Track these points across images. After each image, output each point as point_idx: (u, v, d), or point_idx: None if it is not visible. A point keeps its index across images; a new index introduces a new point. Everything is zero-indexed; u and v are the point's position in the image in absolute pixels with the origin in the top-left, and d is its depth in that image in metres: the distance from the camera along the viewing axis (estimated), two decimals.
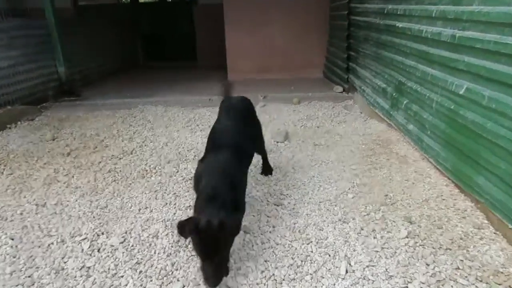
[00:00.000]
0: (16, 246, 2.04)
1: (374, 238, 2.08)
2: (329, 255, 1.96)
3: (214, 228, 1.54)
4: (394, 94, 3.61)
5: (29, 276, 1.82)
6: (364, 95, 4.59)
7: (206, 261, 1.59)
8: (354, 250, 1.99)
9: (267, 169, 2.88)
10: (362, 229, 2.16)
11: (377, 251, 1.97)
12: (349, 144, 3.47)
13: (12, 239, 2.09)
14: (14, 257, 1.95)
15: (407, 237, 2.06)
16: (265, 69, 6.83)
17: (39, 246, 2.04)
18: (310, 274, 1.83)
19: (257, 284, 1.77)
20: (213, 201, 1.69)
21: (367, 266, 1.86)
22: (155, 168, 3.05)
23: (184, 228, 1.57)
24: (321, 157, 3.22)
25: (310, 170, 2.98)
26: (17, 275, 1.83)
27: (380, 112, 4.00)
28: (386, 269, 1.83)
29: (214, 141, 2.15)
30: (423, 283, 1.73)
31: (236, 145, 2.06)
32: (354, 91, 5.10)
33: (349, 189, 2.64)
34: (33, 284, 1.77)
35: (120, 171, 3.01)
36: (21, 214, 2.37)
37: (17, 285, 1.76)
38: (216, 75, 7.06)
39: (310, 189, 2.67)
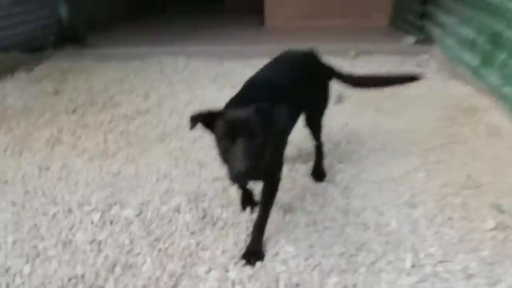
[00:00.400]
0: (18, 214, 2.20)
1: (451, 228, 2.05)
2: (391, 245, 1.96)
3: (251, 111, 1.57)
4: (487, 47, 3.44)
5: (34, 247, 1.96)
6: (444, 48, 4.43)
7: (237, 140, 1.51)
8: (424, 241, 1.98)
9: (318, 172, 2.54)
10: (435, 216, 2.13)
11: (454, 244, 1.95)
12: (422, 111, 3.38)
13: (14, 205, 2.25)
14: (16, 225, 2.11)
15: (494, 228, 2.02)
16: (313, 13, 6.67)
17: (44, 215, 2.19)
18: (366, 265, 1.85)
19: (300, 272, 1.81)
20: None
21: (440, 262, 1.85)
22: (175, 131, 3.13)
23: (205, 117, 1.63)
24: (385, 125, 3.16)
25: (370, 141, 2.94)
26: (20, 245, 1.98)
27: (466, 70, 3.86)
28: (465, 267, 1.81)
29: (241, 94, 1.97)
30: None
31: (271, 101, 1.82)
32: (430, 43, 4.93)
33: (420, 166, 2.60)
34: (38, 256, 1.91)
35: (134, 133, 3.11)
36: (23, 177, 2.53)
37: (21, 256, 1.91)
38: (248, 21, 7.00)
39: (369, 164, 2.65)
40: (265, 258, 1.88)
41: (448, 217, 2.12)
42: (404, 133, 3.03)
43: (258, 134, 1.53)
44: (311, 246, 1.96)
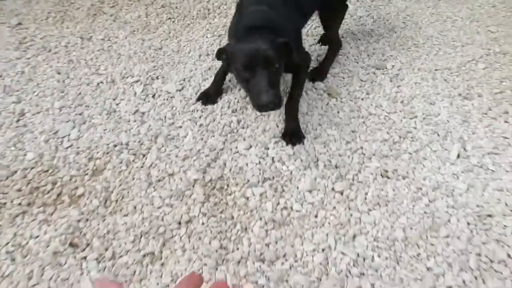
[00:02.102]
0: (63, 81, 2.29)
1: (506, 122, 2.00)
2: (438, 135, 1.94)
3: (268, 44, 1.66)
4: None
5: (79, 114, 2.08)
6: None
7: (260, 72, 1.64)
8: (474, 133, 1.95)
9: (317, 71, 2.36)
10: (490, 110, 2.07)
11: (507, 138, 1.91)
12: (489, 0, 3.10)
13: (59, 73, 2.34)
14: (62, 92, 2.21)
15: None
16: None
17: (88, 84, 2.28)
18: (409, 153, 1.86)
19: (339, 155, 1.85)
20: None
21: (488, 154, 1.83)
22: (219, 8, 3.04)
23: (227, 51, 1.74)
24: (446, 11, 2.95)
25: (428, 27, 2.77)
26: (67, 111, 2.09)
27: None
28: None
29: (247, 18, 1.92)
30: None
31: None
32: None
33: (481, 57, 2.46)
34: (84, 123, 2.03)
35: (176, 7, 3.05)
36: (66, 46, 2.59)
37: (67, 121, 2.03)
38: None
39: (425, 52, 2.52)
40: (306, 140, 1.91)
41: (504, 111, 2.05)
42: (467, 21, 2.83)
43: (276, 66, 1.67)
44: (353, 131, 1.98)
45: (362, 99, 2.17)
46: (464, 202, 1.63)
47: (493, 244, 1.48)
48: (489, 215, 1.57)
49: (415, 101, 2.14)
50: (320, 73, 2.34)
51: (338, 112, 2.09)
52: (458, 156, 1.83)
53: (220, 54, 1.76)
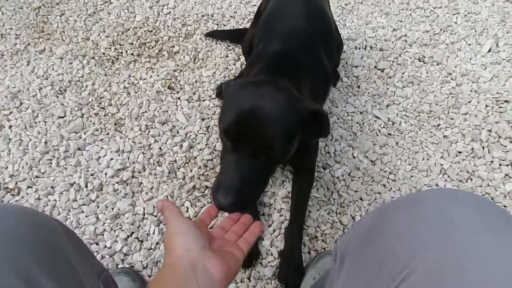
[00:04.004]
0: None
1: None
2: (475, 31, 1.69)
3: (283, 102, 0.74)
4: None
5: None
6: None
7: (237, 153, 0.73)
8: (508, 32, 1.67)
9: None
10: None
11: None
12: None
13: None
14: None
15: None
16: None
17: None
18: (446, 44, 1.65)
19: (385, 40, 1.67)
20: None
21: None
22: None
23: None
24: None
25: None
26: None
27: None
28: None
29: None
30: None
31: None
32: None
33: None
34: None
35: None
36: None
37: None
38: None
39: None
40: (359, 25, 1.72)
41: None
42: None
43: (276, 152, 0.74)
44: (400, 21, 1.75)
45: None
46: (486, 88, 1.47)
47: (504, 123, 1.36)
48: (506, 101, 1.42)
49: None
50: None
51: (389, 3, 1.83)
52: (490, 50, 1.60)
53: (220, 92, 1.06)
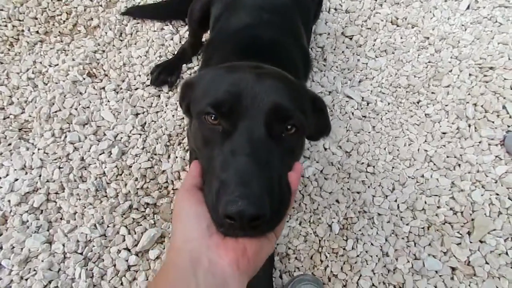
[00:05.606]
0: None
1: None
2: None
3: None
4: None
5: None
6: None
7: (247, 127, 0.49)
8: None
9: None
10: None
11: None
12: None
13: None
14: None
15: None
16: None
17: None
18: (420, 1, 1.42)
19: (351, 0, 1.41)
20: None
21: (499, 6, 1.40)
22: None
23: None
24: None
25: None
26: None
27: None
28: None
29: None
30: None
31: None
32: None
33: None
34: None
35: None
36: None
37: None
38: None
39: None
40: None
41: None
42: None
43: (299, 126, 0.52)
44: None
45: None
46: (468, 53, 1.27)
47: (490, 95, 1.18)
48: (491, 68, 1.24)
49: None
50: None
51: None
52: (468, 7, 1.40)
53: (183, 95, 0.63)
